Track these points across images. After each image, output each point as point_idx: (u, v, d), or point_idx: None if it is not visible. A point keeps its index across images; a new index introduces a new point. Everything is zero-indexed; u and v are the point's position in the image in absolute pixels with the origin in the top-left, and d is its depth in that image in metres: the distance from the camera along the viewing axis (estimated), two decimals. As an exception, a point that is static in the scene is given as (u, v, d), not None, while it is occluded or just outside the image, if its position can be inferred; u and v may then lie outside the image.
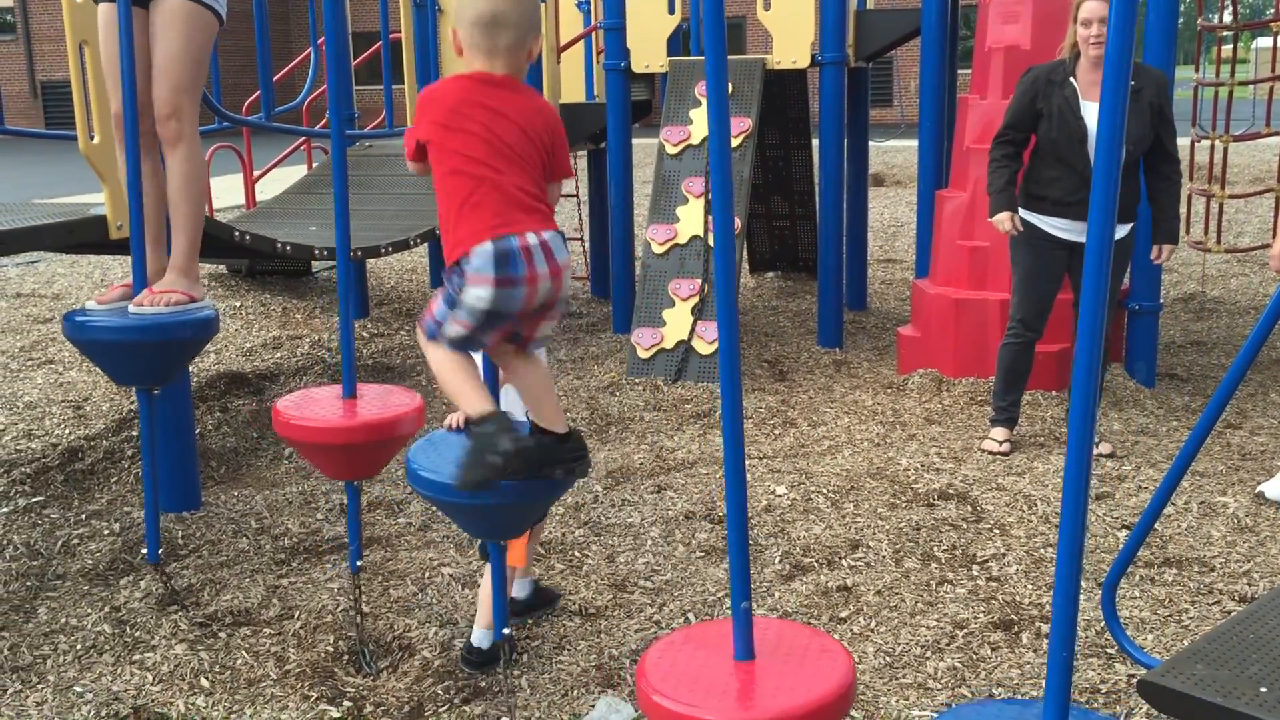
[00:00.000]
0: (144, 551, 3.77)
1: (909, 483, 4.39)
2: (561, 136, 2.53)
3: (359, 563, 3.18)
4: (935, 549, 3.80)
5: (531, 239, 2.39)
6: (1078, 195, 4.47)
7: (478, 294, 2.37)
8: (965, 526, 3.99)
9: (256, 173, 8.88)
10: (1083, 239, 4.53)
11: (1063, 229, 4.54)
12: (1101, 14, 4.34)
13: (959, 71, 7.06)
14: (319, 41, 6.98)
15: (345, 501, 4.09)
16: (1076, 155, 4.45)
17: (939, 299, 5.68)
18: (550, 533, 3.92)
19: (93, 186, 3.60)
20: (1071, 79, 4.49)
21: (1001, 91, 5.61)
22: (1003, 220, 4.52)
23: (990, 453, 4.69)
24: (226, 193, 11.90)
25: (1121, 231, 4.55)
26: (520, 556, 3.18)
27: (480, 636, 3.13)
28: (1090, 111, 4.45)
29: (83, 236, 3.79)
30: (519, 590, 3.38)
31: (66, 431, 5.12)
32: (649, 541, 3.91)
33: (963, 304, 5.57)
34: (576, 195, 8.89)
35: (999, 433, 4.76)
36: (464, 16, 2.45)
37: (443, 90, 2.46)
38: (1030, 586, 3.54)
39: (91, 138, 3.65)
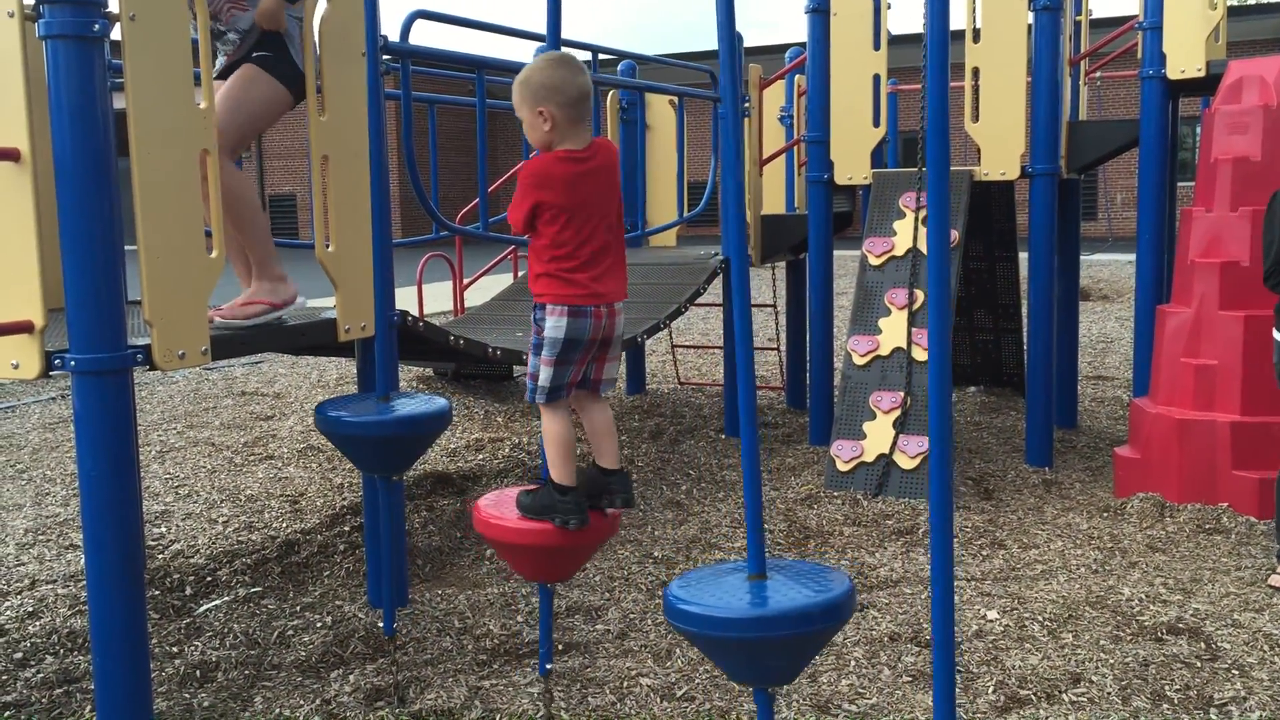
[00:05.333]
0: (354, 646, 3.88)
1: (1133, 614, 4.12)
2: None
3: (549, 666, 3.17)
4: (1166, 688, 3.53)
5: None
6: None
7: None
8: (1199, 665, 3.69)
9: (466, 280, 9.24)
10: None
11: None
12: None
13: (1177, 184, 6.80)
14: (531, 155, 7.29)
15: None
16: None
17: (1161, 419, 5.37)
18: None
19: (319, 291, 3.80)
20: None
21: (1229, 204, 5.36)
22: None
23: (1277, 588, 4.35)
24: (437, 299, 12.44)
25: None
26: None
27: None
28: None
29: (314, 339, 3.99)
30: None
31: (284, 525, 5.35)
32: (852, 662, 3.77)
33: (1188, 425, 5.26)
34: (774, 305, 8.90)
35: None
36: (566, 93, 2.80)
37: None
38: (1278, 736, 3.24)
39: (327, 245, 3.87)
